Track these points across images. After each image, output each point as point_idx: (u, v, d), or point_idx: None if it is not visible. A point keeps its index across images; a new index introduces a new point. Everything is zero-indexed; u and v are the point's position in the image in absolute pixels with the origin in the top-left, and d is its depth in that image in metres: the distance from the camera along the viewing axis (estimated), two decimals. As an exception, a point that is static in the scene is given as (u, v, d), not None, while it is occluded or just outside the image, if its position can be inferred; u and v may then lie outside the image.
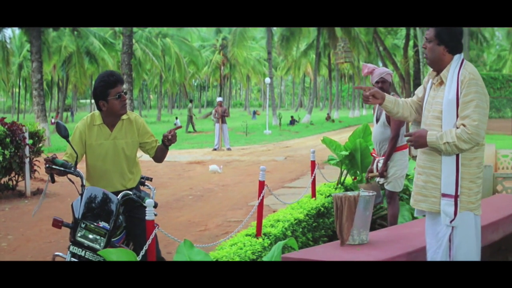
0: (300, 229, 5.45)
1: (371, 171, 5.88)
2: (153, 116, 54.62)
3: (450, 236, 3.37)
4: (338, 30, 38.57)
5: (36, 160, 9.98)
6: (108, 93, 3.86)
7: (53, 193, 9.83)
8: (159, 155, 4.16)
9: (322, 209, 6.15)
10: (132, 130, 4.04)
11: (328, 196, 6.50)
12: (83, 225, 3.63)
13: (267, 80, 33.02)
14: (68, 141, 3.84)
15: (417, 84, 25.68)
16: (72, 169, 3.78)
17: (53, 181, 3.82)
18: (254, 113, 55.37)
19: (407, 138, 3.50)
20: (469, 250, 3.38)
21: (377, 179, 5.79)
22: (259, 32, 56.61)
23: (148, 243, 3.44)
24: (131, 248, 4.06)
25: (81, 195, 3.77)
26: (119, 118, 3.99)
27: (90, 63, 42.70)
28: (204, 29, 59.12)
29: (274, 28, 40.92)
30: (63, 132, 3.76)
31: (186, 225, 7.52)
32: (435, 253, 3.45)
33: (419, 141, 3.40)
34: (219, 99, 19.99)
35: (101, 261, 3.54)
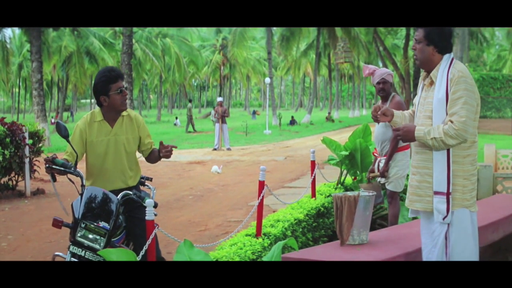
0: (300, 229, 5.45)
1: (373, 171, 5.89)
2: (153, 116, 54.64)
3: (446, 234, 3.38)
4: (338, 30, 38.58)
5: (36, 160, 9.98)
6: (110, 88, 3.87)
7: (53, 193, 9.83)
8: (152, 158, 4.20)
9: (322, 209, 6.15)
10: (132, 127, 4.05)
11: (328, 196, 6.50)
12: (83, 225, 3.63)
13: (267, 80, 33.02)
14: (68, 141, 3.84)
15: (417, 84, 25.69)
16: (72, 169, 3.78)
17: (54, 180, 3.82)
18: (254, 112, 55.38)
19: (397, 132, 3.51)
20: (466, 247, 3.38)
21: (378, 179, 5.79)
22: (259, 32, 56.62)
23: (148, 243, 3.44)
24: (131, 248, 4.05)
25: (81, 195, 3.77)
26: (120, 114, 4.00)
27: (90, 63, 42.69)
28: (204, 29, 59.14)
29: (274, 28, 40.95)
30: (63, 132, 3.76)
31: (186, 225, 7.52)
32: (430, 252, 3.46)
33: (407, 136, 3.43)
34: (219, 99, 19.97)
35: (101, 261, 3.54)
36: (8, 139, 9.27)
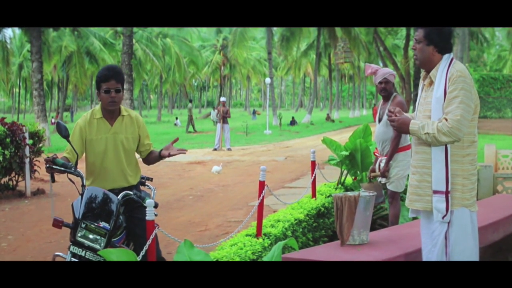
0: (300, 229, 5.45)
1: (373, 171, 5.89)
2: (153, 116, 54.65)
3: (446, 234, 3.38)
4: (338, 30, 38.60)
5: (36, 160, 9.98)
6: (100, 86, 3.91)
7: (53, 193, 9.83)
8: (151, 160, 4.19)
9: (323, 209, 6.15)
10: (132, 126, 4.06)
11: (328, 196, 6.50)
12: (83, 225, 3.63)
13: (267, 80, 33.03)
14: (68, 141, 3.84)
15: (417, 84, 25.69)
16: (73, 169, 3.79)
17: (53, 180, 3.82)
18: (254, 112, 55.38)
19: (392, 124, 3.51)
20: (466, 247, 3.39)
21: (379, 179, 5.79)
22: (259, 32, 56.62)
23: (148, 243, 3.44)
24: (131, 248, 4.05)
25: (82, 195, 3.77)
26: (119, 113, 4.01)
27: (90, 63, 42.69)
28: (204, 29, 59.19)
29: (274, 28, 40.97)
30: (63, 132, 3.76)
31: (186, 225, 7.52)
32: (430, 252, 3.46)
33: (402, 128, 3.45)
34: (222, 99, 19.80)
35: (101, 261, 3.54)
36: (8, 139, 9.27)
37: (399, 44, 44.34)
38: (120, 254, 2.54)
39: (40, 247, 6.47)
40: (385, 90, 5.73)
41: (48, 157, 3.75)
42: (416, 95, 25.22)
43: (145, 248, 3.45)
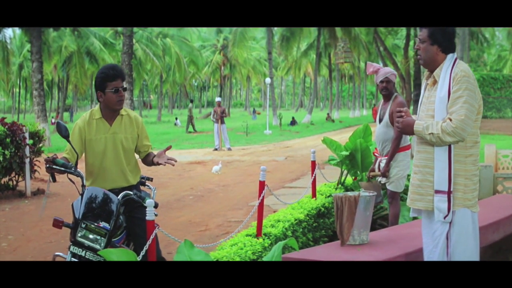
0: (301, 229, 5.45)
1: (373, 170, 5.89)
2: (153, 116, 54.64)
3: (447, 234, 3.38)
4: (338, 30, 38.60)
5: (37, 160, 9.98)
6: (106, 86, 3.88)
7: (53, 193, 9.83)
8: (147, 162, 4.17)
9: (323, 209, 6.15)
10: (131, 126, 4.05)
11: (328, 196, 6.50)
12: (83, 225, 3.63)
13: (268, 80, 33.02)
14: (68, 141, 3.84)
15: (418, 84, 25.70)
16: (73, 169, 3.79)
17: (54, 180, 3.82)
18: (254, 111, 55.39)
19: (396, 125, 3.51)
20: (467, 248, 3.39)
21: (379, 178, 5.79)
22: (259, 32, 56.63)
23: (148, 243, 3.44)
24: (131, 248, 4.05)
25: (82, 195, 3.77)
26: (118, 113, 4.01)
27: (90, 63, 42.67)
28: (204, 29, 59.16)
29: (275, 28, 40.96)
30: (63, 132, 3.76)
31: (186, 225, 7.52)
32: (431, 253, 3.46)
33: (406, 129, 3.46)
34: (217, 99, 19.98)
35: (101, 261, 3.54)
36: (8, 139, 9.27)
37: (399, 44, 44.38)
38: (120, 254, 2.54)
39: (40, 247, 6.47)
40: (386, 89, 5.75)
41: (48, 157, 3.75)
42: (416, 95, 25.24)
43: (145, 248, 3.44)
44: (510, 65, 49.84)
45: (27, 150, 9.63)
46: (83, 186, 3.87)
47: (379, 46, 29.69)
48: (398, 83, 28.96)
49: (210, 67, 56.08)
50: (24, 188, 9.82)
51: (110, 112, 3.99)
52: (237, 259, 4.05)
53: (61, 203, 8.86)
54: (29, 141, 9.68)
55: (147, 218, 3.49)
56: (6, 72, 43.00)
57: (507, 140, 18.34)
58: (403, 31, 28.73)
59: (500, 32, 49.92)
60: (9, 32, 53.92)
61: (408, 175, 6.42)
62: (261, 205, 4.76)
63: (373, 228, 5.62)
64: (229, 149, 18.78)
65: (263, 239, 4.62)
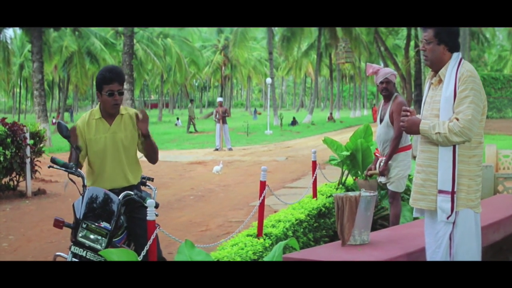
0: (301, 229, 5.45)
1: (371, 169, 5.89)
2: (154, 116, 54.63)
3: (450, 235, 3.38)
4: (339, 30, 38.61)
5: (37, 161, 9.99)
6: (102, 88, 3.87)
7: (54, 193, 9.84)
8: (149, 152, 4.09)
9: (323, 209, 6.15)
10: (131, 125, 4.05)
11: (329, 196, 6.49)
12: (84, 226, 3.63)
13: (268, 80, 33.01)
14: (69, 141, 3.85)
15: (418, 84, 25.71)
16: (74, 169, 3.79)
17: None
18: (255, 111, 55.38)
19: (402, 124, 3.50)
20: (469, 248, 3.39)
21: (379, 178, 5.79)
22: (260, 32, 56.61)
23: (149, 243, 3.44)
24: (132, 249, 4.05)
25: (83, 195, 3.77)
26: (117, 112, 4.00)
27: (91, 64, 42.66)
28: (205, 29, 59.15)
29: (275, 28, 40.96)
30: (64, 132, 3.76)
31: (187, 225, 7.52)
32: (434, 253, 3.45)
33: (412, 128, 3.45)
34: (219, 99, 20.02)
35: (102, 261, 3.54)
36: (9, 140, 9.27)
37: (400, 44, 44.36)
38: (121, 254, 2.54)
39: (41, 247, 6.47)
40: (386, 90, 5.74)
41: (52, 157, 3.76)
42: (417, 95, 25.24)
43: (146, 248, 3.44)
44: (511, 65, 49.84)
45: (28, 150, 9.63)
46: (84, 186, 3.87)
47: (380, 46, 29.69)
48: (398, 83, 28.95)
49: (211, 67, 56.09)
50: (25, 188, 9.82)
51: (109, 113, 3.98)
52: (238, 259, 4.05)
53: (62, 203, 8.86)
54: (29, 141, 9.68)
55: (148, 218, 3.49)
56: (6, 72, 43.01)
57: (508, 140, 18.33)
58: (403, 31, 28.71)
59: (500, 32, 49.91)
60: (9, 32, 53.99)
61: (409, 175, 6.43)
62: (262, 205, 4.76)
63: (374, 228, 5.61)
64: (230, 149, 18.79)
65: (264, 239, 4.62)
